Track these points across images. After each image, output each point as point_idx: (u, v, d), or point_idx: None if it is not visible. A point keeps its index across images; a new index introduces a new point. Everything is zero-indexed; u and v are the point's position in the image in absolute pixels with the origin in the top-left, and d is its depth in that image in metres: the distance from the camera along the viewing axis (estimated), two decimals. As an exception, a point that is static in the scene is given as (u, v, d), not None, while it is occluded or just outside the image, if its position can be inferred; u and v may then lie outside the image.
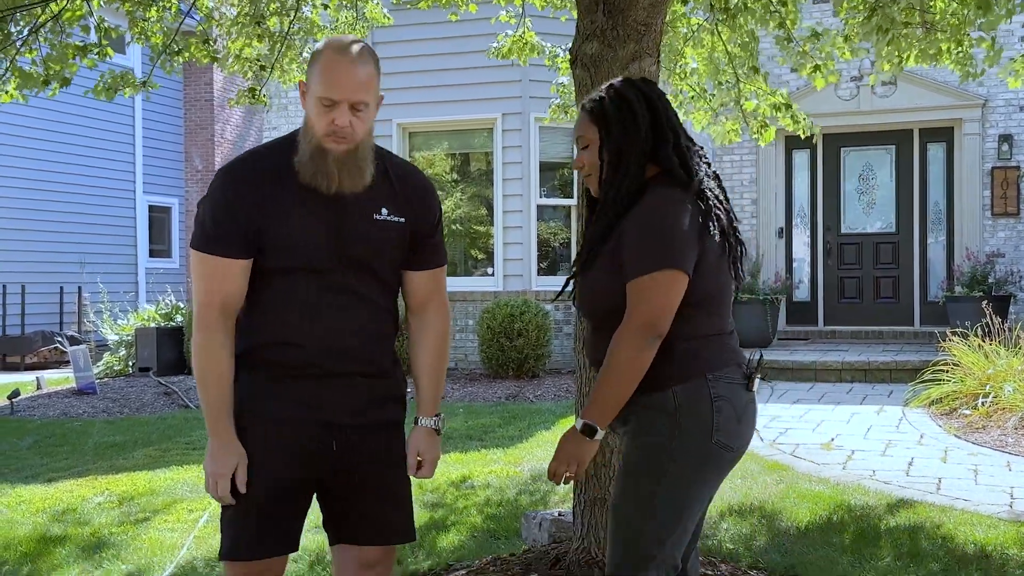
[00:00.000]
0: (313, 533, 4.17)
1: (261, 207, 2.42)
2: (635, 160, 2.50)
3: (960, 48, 5.24)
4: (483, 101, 11.07)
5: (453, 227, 11.54)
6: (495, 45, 7.16)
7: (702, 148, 2.62)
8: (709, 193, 2.51)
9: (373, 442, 2.54)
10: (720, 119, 6.63)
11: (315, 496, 2.59)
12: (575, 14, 3.88)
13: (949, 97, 11.96)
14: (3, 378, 12.36)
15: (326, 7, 6.59)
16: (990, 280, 11.08)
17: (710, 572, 3.84)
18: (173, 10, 5.84)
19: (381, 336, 2.56)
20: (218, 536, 2.55)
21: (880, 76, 5.74)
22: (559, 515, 4.43)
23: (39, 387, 10.77)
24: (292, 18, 6.13)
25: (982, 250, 11.77)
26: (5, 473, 6.56)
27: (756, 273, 11.96)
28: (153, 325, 11.74)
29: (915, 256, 12.40)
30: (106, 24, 5.43)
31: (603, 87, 2.63)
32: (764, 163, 12.77)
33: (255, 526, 2.47)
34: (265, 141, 3.23)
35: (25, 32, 5.12)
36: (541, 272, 11.12)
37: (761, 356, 2.61)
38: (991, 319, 8.40)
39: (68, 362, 11.80)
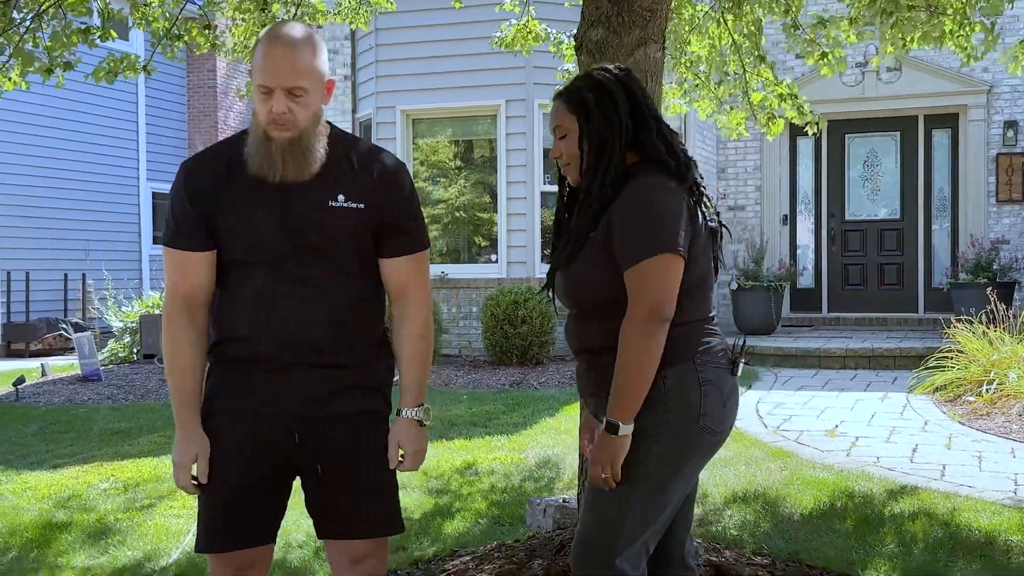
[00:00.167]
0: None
1: (215, 200, 2.44)
2: (618, 149, 2.50)
3: (962, 31, 5.22)
4: (487, 88, 11.04)
5: (457, 214, 11.53)
6: (499, 35, 7.07)
7: (678, 133, 2.63)
8: (700, 180, 2.54)
9: (340, 434, 2.47)
10: (725, 107, 6.58)
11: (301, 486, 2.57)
12: (580, 0, 3.86)
13: (954, 83, 11.92)
14: (8, 365, 12.38)
15: (329, -8, 6.57)
16: (994, 267, 11.07)
17: (714, 558, 3.84)
18: (175, -6, 5.82)
19: (348, 326, 2.48)
20: None
21: (884, 59, 5.70)
22: (563, 501, 4.44)
23: (44, 374, 10.79)
24: (299, 4, 6.11)
25: (987, 237, 11.75)
26: (10, 460, 6.58)
27: (760, 260, 11.93)
28: (157, 312, 11.73)
29: (919, 243, 12.38)
30: (110, 7, 5.41)
31: (579, 75, 2.63)
32: (768, 150, 12.74)
33: (222, 520, 2.48)
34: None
35: (28, 19, 5.11)
36: (545, 259, 11.10)
37: (744, 341, 2.65)
38: (995, 306, 8.39)
39: (73, 349, 11.83)
